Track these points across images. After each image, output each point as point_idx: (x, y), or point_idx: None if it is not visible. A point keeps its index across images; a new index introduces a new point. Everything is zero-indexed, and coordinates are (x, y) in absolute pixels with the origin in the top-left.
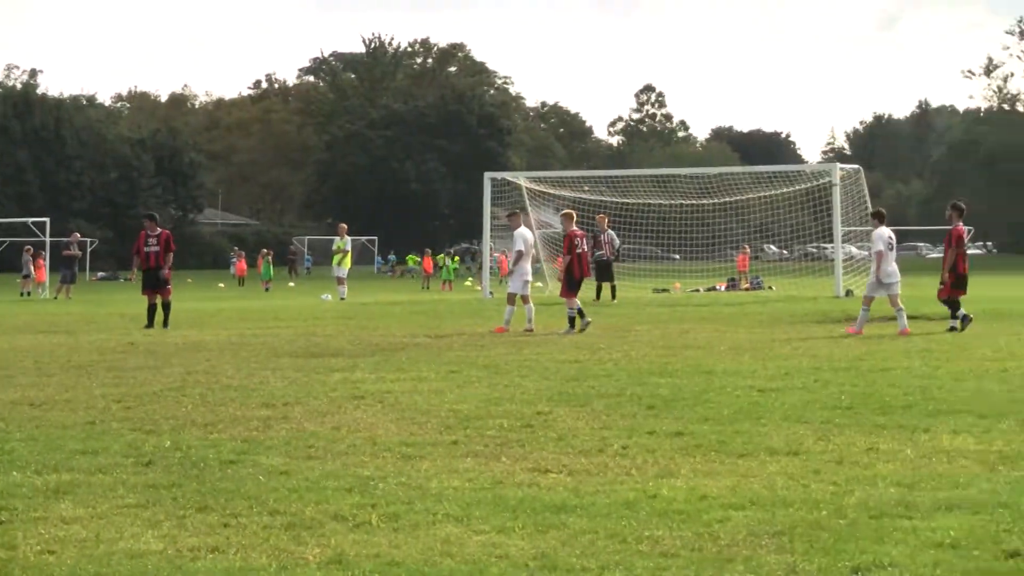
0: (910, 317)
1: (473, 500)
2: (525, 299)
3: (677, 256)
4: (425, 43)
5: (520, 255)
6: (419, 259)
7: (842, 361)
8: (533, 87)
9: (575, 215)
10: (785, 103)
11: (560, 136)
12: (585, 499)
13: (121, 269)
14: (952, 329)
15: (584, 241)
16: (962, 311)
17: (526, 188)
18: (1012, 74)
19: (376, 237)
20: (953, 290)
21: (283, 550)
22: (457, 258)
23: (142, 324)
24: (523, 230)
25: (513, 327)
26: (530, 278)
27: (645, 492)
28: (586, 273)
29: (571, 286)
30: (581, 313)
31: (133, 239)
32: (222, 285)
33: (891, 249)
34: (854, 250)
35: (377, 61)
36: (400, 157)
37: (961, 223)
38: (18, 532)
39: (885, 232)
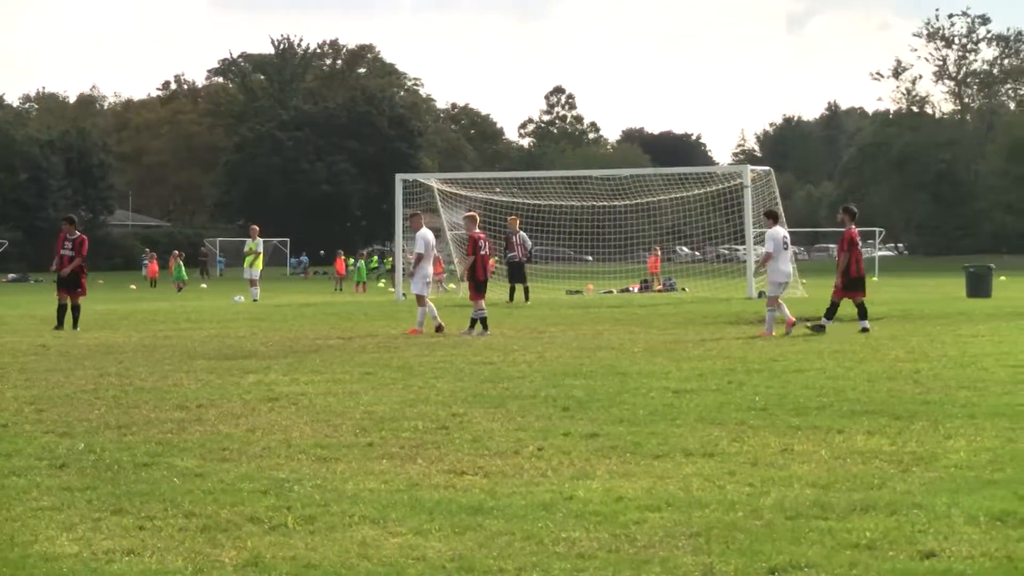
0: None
1: (389, 502)
2: (420, 300)
3: (590, 258)
4: (334, 44)
5: (420, 257)
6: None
7: (756, 362)
8: (443, 89)
9: (478, 217)
10: (695, 105)
11: (471, 138)
12: (501, 501)
13: (32, 271)
14: (818, 328)
15: (487, 244)
16: (824, 320)
17: (438, 190)
18: (920, 76)
19: (288, 239)
20: (848, 292)
21: (199, 552)
22: (379, 258)
23: (53, 325)
24: (424, 232)
25: (427, 328)
26: (430, 279)
27: (561, 494)
28: (487, 274)
29: (477, 288)
30: (484, 323)
31: (44, 241)
32: (134, 287)
33: (785, 249)
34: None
35: (286, 62)
36: (311, 158)
37: (854, 226)
38: None
39: (780, 232)
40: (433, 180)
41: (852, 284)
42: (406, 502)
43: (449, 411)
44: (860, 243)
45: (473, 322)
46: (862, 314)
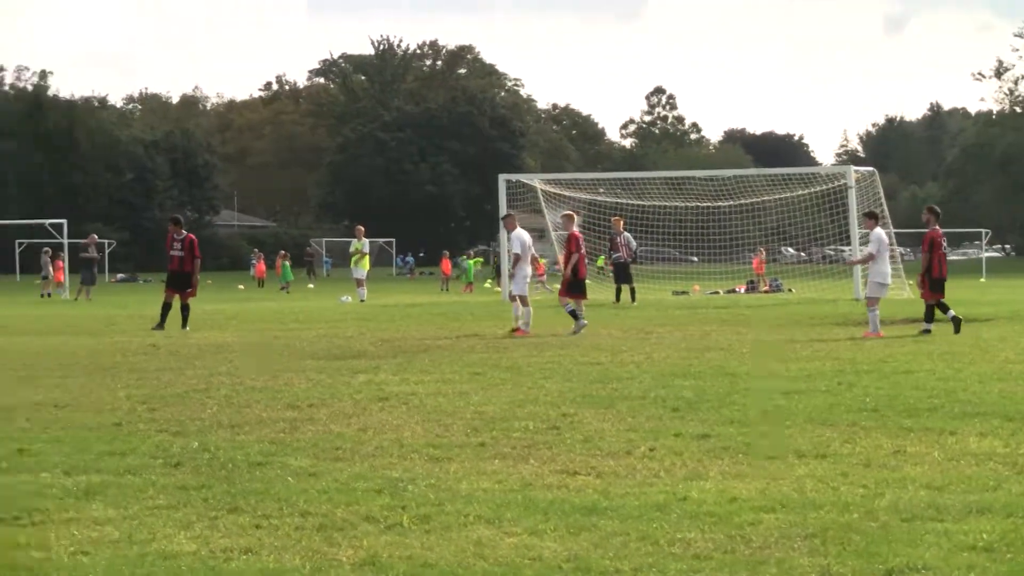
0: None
1: (503, 502)
2: (524, 300)
3: (695, 258)
4: (434, 45)
5: (517, 257)
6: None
7: (864, 363)
8: (544, 89)
9: (575, 216)
10: (797, 105)
11: (573, 138)
12: (615, 501)
13: (139, 271)
14: (925, 332)
15: (583, 243)
16: (927, 325)
17: (541, 190)
18: (1023, 76)
19: (393, 239)
20: (931, 294)
21: (316, 551)
22: (480, 260)
23: (155, 324)
24: (519, 232)
25: (533, 328)
26: (529, 279)
27: (675, 494)
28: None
29: (576, 287)
30: (575, 315)
31: (150, 241)
32: (241, 287)
33: (886, 250)
34: None
35: (386, 63)
36: (414, 159)
37: (938, 227)
38: (51, 533)
39: (882, 233)
40: (536, 180)
41: (934, 285)
42: (520, 502)
43: (559, 411)
44: (944, 244)
45: (577, 320)
46: (929, 316)
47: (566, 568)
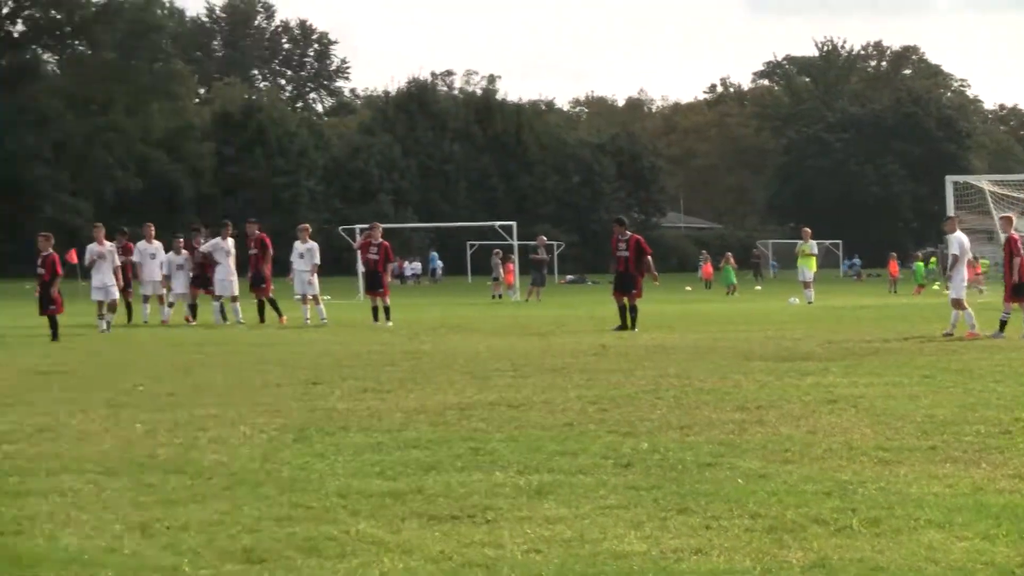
0: None
1: (954, 506)
2: (959, 304)
3: None
4: (878, 46)
5: (955, 259)
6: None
7: None
8: (990, 90)
9: (1013, 219)
10: None
11: (1021, 139)
12: None
13: (588, 272)
14: None
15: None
16: None
17: (989, 192)
18: None
19: (840, 241)
20: None
21: (765, 553)
22: (934, 260)
23: (611, 326)
24: (958, 234)
25: (980, 330)
26: (965, 282)
27: None
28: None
29: (1019, 291)
30: (1003, 324)
31: (599, 243)
32: (689, 288)
33: None
34: None
35: (830, 64)
36: (859, 160)
37: None
38: (504, 531)
39: None
40: (984, 182)
41: None
42: (971, 506)
43: (1012, 415)
44: None
45: (1000, 331)
46: None
47: (1020, 573)
